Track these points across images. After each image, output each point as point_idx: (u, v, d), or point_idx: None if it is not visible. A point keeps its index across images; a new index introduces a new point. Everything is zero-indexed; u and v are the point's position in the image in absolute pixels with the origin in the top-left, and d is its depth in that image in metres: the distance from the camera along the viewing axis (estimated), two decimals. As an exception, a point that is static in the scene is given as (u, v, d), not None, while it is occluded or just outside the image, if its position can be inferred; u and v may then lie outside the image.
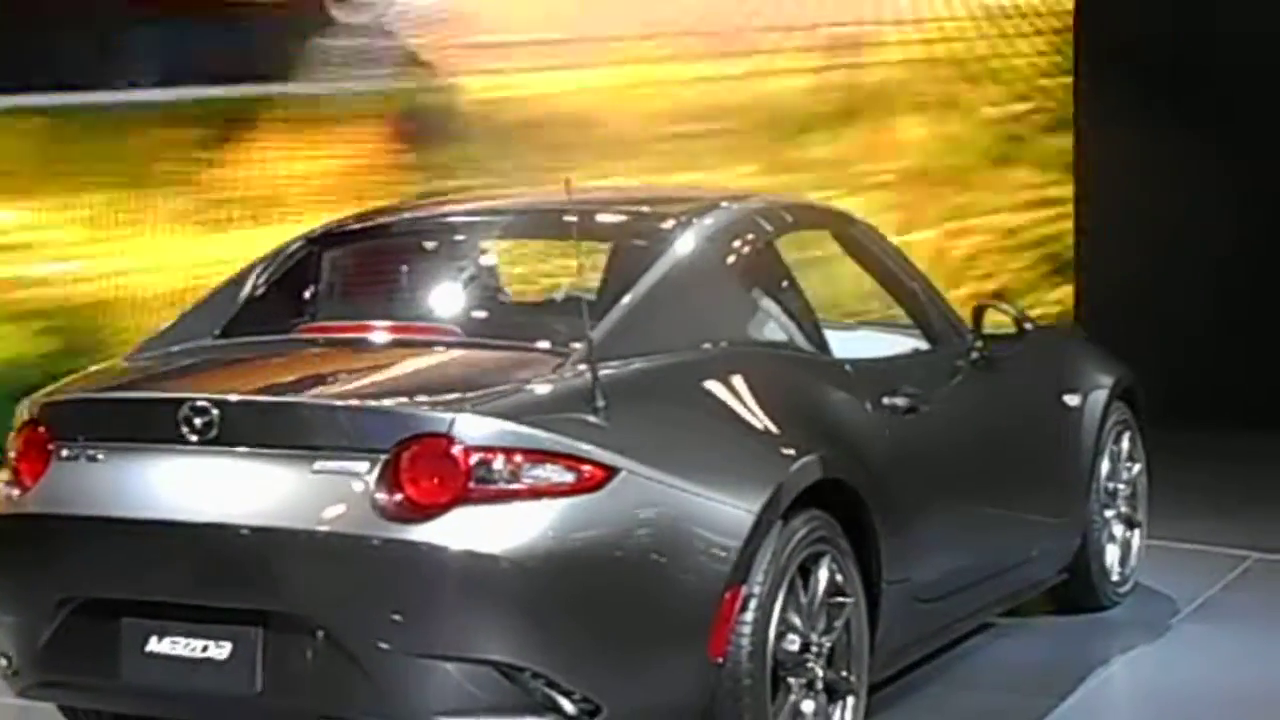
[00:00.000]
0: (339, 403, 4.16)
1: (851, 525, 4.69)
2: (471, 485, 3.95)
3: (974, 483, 5.49)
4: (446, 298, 4.98)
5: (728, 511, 4.20)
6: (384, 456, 3.98)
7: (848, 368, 4.97)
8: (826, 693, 4.59)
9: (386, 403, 4.12)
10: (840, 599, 4.63)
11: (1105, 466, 6.49)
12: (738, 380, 4.55)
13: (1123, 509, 6.71)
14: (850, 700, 4.67)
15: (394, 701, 3.97)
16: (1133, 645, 6.20)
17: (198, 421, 4.14)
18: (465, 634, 3.94)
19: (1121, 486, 6.69)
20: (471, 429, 3.96)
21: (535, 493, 3.98)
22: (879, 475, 4.81)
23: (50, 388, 4.63)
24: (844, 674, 4.65)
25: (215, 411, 4.14)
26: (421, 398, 4.14)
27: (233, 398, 4.19)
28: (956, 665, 5.87)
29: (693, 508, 4.15)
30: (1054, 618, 6.50)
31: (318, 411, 4.14)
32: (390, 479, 3.97)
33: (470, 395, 4.12)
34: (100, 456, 4.28)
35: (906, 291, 5.67)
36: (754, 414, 4.48)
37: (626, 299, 4.54)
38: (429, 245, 5.18)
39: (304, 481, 4.02)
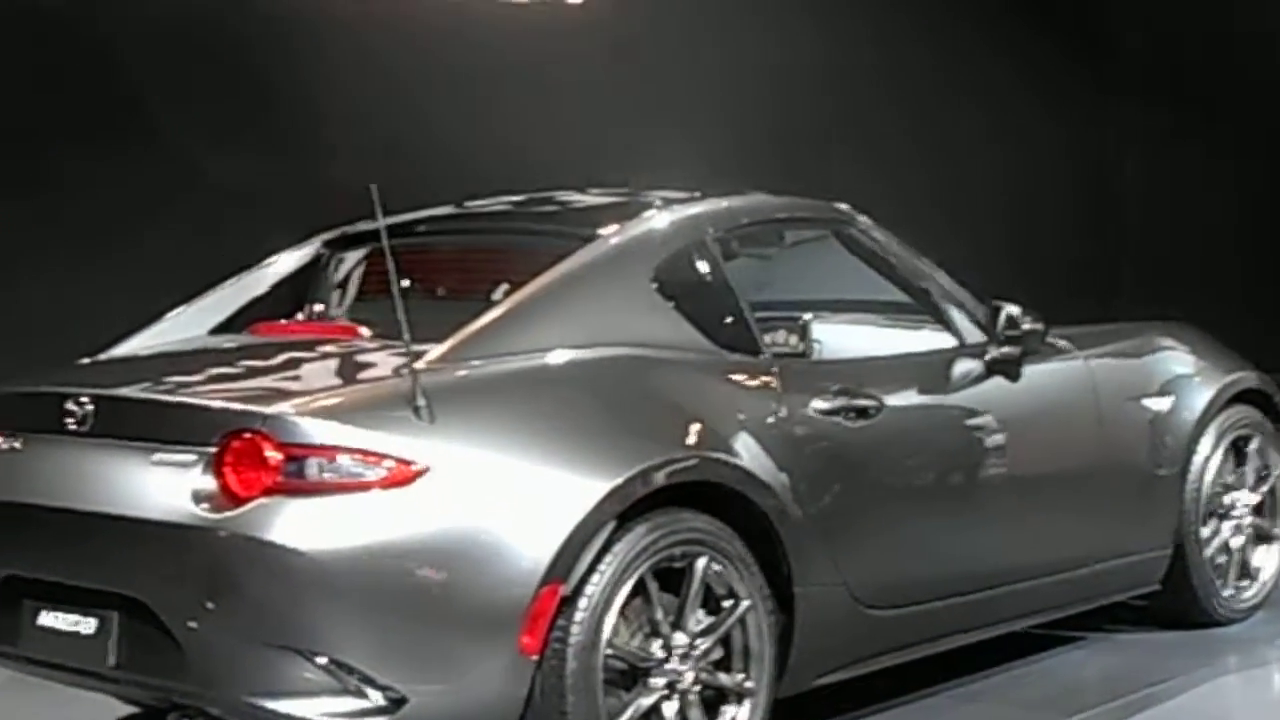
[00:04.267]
0: (173, 399, 4.43)
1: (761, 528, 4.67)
2: (281, 479, 4.13)
3: (968, 489, 5.32)
4: (375, 301, 5.17)
5: (548, 512, 4.24)
6: (211, 450, 4.22)
7: (773, 369, 4.91)
8: (714, 696, 4.58)
9: (212, 400, 4.37)
10: (730, 601, 4.60)
11: (1210, 475, 6.13)
12: (596, 384, 4.58)
13: (1245, 521, 6.31)
14: (745, 704, 4.63)
15: (212, 682, 4.20)
16: (1210, 665, 5.86)
17: (78, 413, 4.49)
18: (270, 621, 4.13)
19: (1241, 496, 6.29)
20: (283, 425, 4.16)
21: (341, 487, 4.14)
22: (790, 479, 4.73)
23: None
24: (738, 678, 4.62)
25: (90, 405, 4.48)
26: (249, 395, 4.36)
27: (100, 392, 4.52)
28: (989, 676, 5.71)
29: (509, 507, 4.22)
30: (1149, 633, 6.21)
31: (158, 407, 4.43)
32: (213, 471, 4.21)
33: (296, 393, 4.32)
34: (18, 445, 4.68)
35: (918, 291, 5.52)
36: (602, 418, 4.49)
37: (504, 301, 4.65)
38: (395, 250, 5.38)
39: (146, 472, 4.31)
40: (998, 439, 5.44)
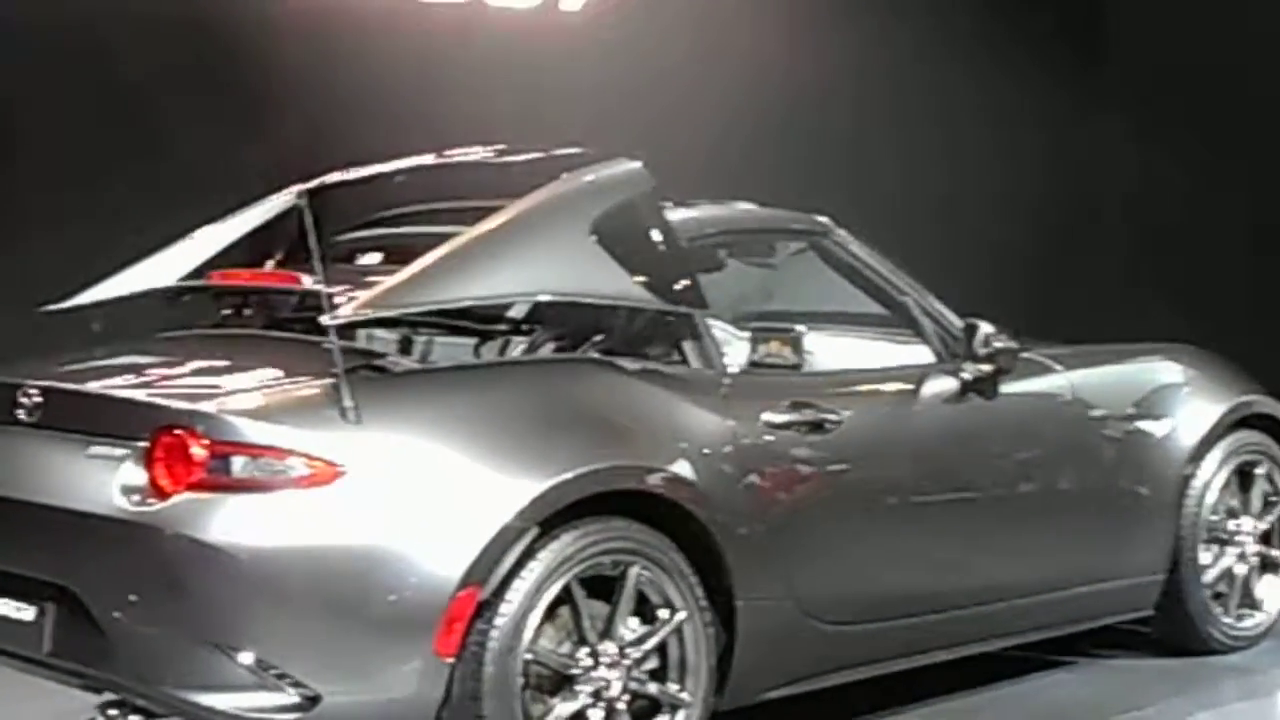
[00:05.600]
0: (109, 392, 4.52)
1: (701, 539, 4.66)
2: (205, 475, 4.19)
3: (934, 507, 5.26)
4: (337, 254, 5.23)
5: (467, 517, 4.26)
6: (142, 444, 4.29)
7: (725, 381, 4.89)
8: (647, 706, 4.58)
9: (145, 395, 4.44)
10: (667, 612, 4.60)
11: (1210, 499, 6.01)
12: (530, 390, 4.60)
13: (1250, 548, 6.18)
14: (679, 716, 4.61)
15: (135, 673, 4.27)
16: (1191, 695, 5.74)
17: (27, 404, 4.59)
18: (189, 615, 4.18)
19: (1245, 523, 6.16)
20: (210, 422, 4.21)
21: (264, 485, 4.19)
22: (733, 491, 4.72)
23: None
24: (672, 689, 4.62)
25: (38, 397, 4.58)
26: (181, 391, 4.44)
27: (46, 384, 4.61)
28: (965, 696, 5.65)
29: (428, 511, 4.24)
30: (1142, 659, 6.12)
31: (96, 400, 4.51)
32: (142, 465, 4.28)
33: (227, 390, 4.39)
34: None
35: (895, 305, 5.48)
36: (531, 425, 4.48)
37: (429, 254, 4.58)
38: (361, 206, 5.43)
39: (82, 464, 4.39)
40: (967, 457, 5.38)
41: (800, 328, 5.43)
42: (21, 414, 4.60)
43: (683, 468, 4.64)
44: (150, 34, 8.28)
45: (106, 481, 4.30)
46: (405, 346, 5.10)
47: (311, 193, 5.35)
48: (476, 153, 5.51)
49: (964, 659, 5.54)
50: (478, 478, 4.33)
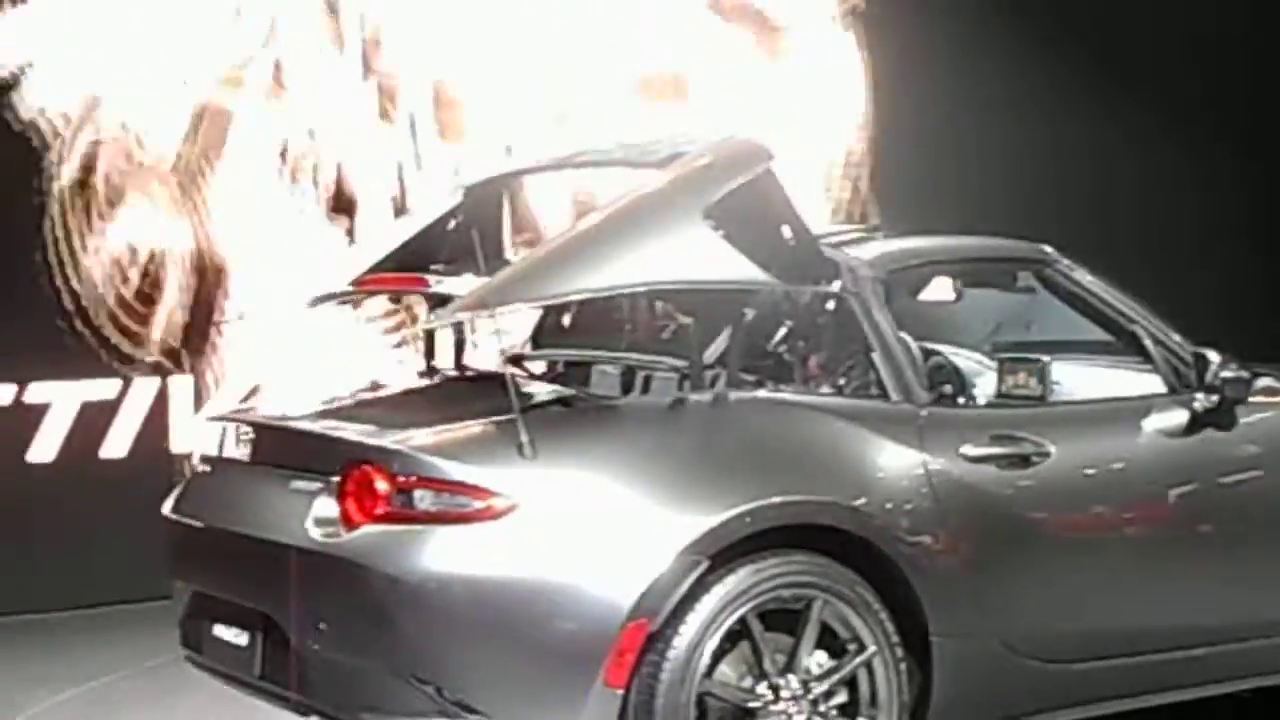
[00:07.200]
0: (309, 429, 4.74)
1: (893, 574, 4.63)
2: (389, 508, 4.37)
3: (1157, 544, 5.09)
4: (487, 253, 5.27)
5: (636, 550, 4.32)
6: (334, 479, 4.50)
7: (922, 414, 4.83)
8: None
9: (339, 431, 4.65)
10: (855, 646, 4.58)
11: None
12: (705, 424, 4.63)
13: None
14: None
15: (330, 697, 4.48)
16: None
17: (244, 440, 4.86)
18: (369, 642, 4.36)
19: None
20: (395, 457, 4.39)
21: (443, 518, 4.34)
22: (928, 525, 4.66)
23: None
24: None
25: (252, 434, 4.84)
26: (372, 428, 4.62)
27: (259, 421, 4.87)
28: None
29: (599, 543, 4.32)
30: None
31: (298, 436, 4.74)
32: (334, 499, 4.48)
33: (413, 426, 4.55)
34: (209, 470, 5.09)
35: (1127, 335, 5.32)
36: (704, 459, 4.53)
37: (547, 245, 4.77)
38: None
39: (284, 497, 4.62)
40: (1198, 491, 5.18)
41: (1045, 358, 5.33)
42: (240, 451, 4.87)
43: (866, 502, 4.60)
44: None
45: (303, 514, 4.52)
46: (627, 384, 5.21)
47: (474, 188, 5.48)
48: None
49: (1200, 700, 5.34)
50: (648, 511, 4.38)
